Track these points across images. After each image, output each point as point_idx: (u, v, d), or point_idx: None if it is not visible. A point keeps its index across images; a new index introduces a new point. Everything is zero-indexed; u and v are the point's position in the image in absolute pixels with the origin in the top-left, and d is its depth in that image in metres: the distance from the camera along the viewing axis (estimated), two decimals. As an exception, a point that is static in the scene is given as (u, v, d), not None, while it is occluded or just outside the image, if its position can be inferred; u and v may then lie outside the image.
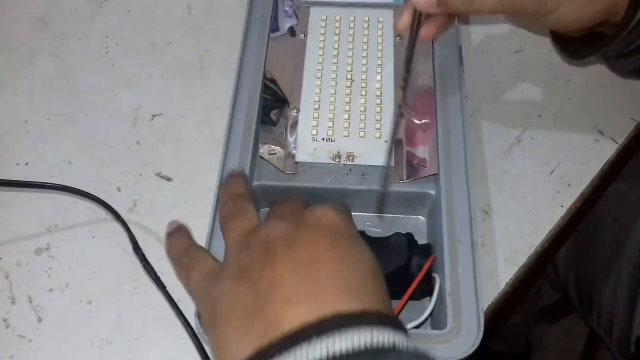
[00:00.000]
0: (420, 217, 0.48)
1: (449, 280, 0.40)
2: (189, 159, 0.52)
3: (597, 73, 0.56)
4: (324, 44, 0.52)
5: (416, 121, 0.48)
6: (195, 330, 0.43)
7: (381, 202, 0.46)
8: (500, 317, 0.47)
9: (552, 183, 0.51)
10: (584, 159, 0.52)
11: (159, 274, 0.45)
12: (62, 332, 0.45)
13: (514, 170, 0.51)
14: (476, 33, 0.58)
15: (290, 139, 0.47)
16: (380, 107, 0.48)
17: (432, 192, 0.45)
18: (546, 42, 0.58)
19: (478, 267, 0.41)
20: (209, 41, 0.58)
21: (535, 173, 0.51)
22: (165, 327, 0.45)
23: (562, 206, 0.50)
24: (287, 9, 0.53)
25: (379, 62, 0.51)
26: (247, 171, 0.45)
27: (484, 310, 0.40)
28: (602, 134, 0.53)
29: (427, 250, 0.43)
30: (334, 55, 0.51)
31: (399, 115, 0.46)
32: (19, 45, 0.59)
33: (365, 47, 0.51)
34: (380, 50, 0.51)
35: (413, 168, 0.46)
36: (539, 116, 0.54)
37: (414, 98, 0.49)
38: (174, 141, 0.53)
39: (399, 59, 0.51)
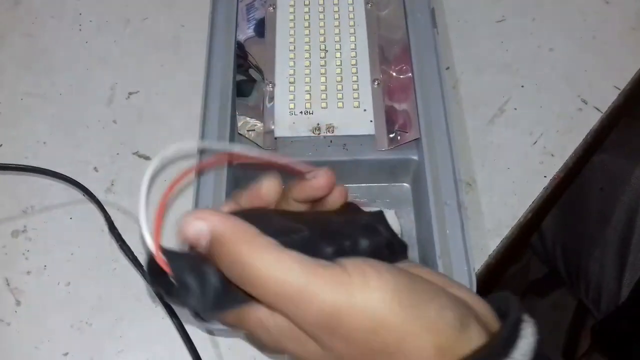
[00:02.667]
0: (405, 184, 0.48)
1: (438, 243, 0.40)
2: (167, 137, 0.51)
3: (580, 42, 0.56)
4: (294, 15, 0.51)
5: (394, 75, 0.47)
6: (175, 310, 0.43)
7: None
8: (485, 288, 0.47)
9: (536, 153, 0.50)
10: (568, 129, 0.51)
11: (136, 254, 0.44)
12: (41, 314, 0.44)
13: (497, 141, 0.51)
14: (457, 3, 0.57)
15: (268, 115, 0.46)
16: (357, 76, 0.48)
17: (415, 157, 0.45)
18: (528, 11, 0.57)
19: (467, 228, 0.40)
20: (185, 17, 0.57)
21: (519, 144, 0.51)
22: (146, 307, 0.44)
23: (545, 177, 0.49)
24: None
25: (352, 30, 0.50)
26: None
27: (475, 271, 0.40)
28: (586, 103, 0.53)
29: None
30: (305, 27, 0.50)
31: None
32: (-10, 24, 0.57)
33: (336, 15, 0.50)
34: (352, 18, 0.50)
35: (395, 135, 0.45)
36: (522, 86, 0.53)
37: (391, 54, 0.48)
38: (151, 119, 0.52)
39: (372, 25, 0.50)
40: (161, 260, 0.27)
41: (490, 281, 0.48)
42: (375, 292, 0.25)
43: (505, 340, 0.26)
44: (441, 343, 0.25)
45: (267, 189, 0.32)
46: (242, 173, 0.45)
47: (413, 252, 0.45)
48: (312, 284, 0.25)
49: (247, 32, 0.51)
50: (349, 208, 0.35)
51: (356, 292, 0.25)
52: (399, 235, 0.33)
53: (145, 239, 0.28)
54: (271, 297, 0.25)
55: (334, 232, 0.31)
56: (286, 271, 0.25)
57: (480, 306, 0.29)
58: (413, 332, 0.25)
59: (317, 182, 0.33)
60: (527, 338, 0.26)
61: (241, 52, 0.49)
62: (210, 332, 0.43)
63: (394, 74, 0.48)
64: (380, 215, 0.34)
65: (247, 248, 0.25)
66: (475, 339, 0.26)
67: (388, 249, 0.32)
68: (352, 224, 0.32)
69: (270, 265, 0.25)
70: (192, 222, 0.27)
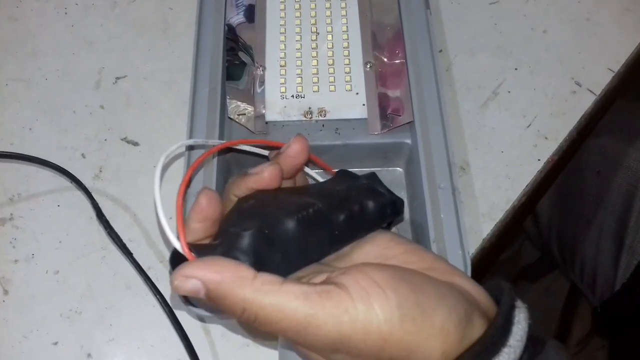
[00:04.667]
0: (398, 168, 0.47)
1: (432, 228, 0.39)
2: (156, 123, 0.50)
3: (574, 24, 0.55)
4: (284, -3, 0.50)
5: (387, 61, 0.47)
6: (166, 298, 0.42)
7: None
8: (479, 272, 0.47)
9: (529, 136, 0.50)
10: (561, 112, 0.51)
11: (125, 241, 0.44)
12: (29, 303, 0.43)
13: (490, 124, 0.50)
14: (450, -15, 0.56)
15: (259, 99, 0.46)
16: (349, 59, 0.47)
17: (408, 141, 0.44)
18: (522, -7, 0.57)
19: (461, 212, 0.40)
20: (173, -1, 0.56)
21: (512, 127, 0.50)
22: (136, 295, 0.44)
23: (539, 160, 0.49)
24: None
25: (343, 12, 0.49)
26: (216, 133, 0.43)
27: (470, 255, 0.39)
28: (580, 86, 0.52)
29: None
30: (296, 9, 0.49)
31: None
32: (-27, 8, 0.56)
33: (328, -3, 0.49)
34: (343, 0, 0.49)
35: (388, 118, 0.44)
36: (516, 69, 0.53)
37: (383, 39, 0.48)
38: (140, 104, 0.51)
39: (364, 7, 0.49)
40: (191, 257, 0.27)
41: (484, 265, 0.48)
42: (380, 314, 0.25)
43: (501, 328, 0.26)
44: (449, 345, 0.26)
45: (206, 204, 0.31)
46: (232, 157, 0.45)
47: (407, 237, 0.44)
48: (317, 316, 0.25)
49: (237, 17, 0.50)
50: (343, 175, 0.36)
51: (360, 317, 0.25)
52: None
53: (171, 239, 0.28)
54: (281, 332, 0.26)
55: (342, 199, 0.32)
56: (291, 310, 0.25)
57: (480, 293, 0.29)
58: (420, 342, 0.26)
59: (292, 149, 0.34)
60: (521, 323, 0.27)
61: (231, 36, 0.48)
62: (202, 319, 0.43)
63: (387, 57, 0.47)
64: (375, 176, 0.35)
65: (250, 295, 0.26)
66: (477, 330, 0.27)
67: (390, 207, 0.34)
68: (354, 189, 0.33)
69: (275, 307, 0.25)
70: (184, 284, 0.26)
